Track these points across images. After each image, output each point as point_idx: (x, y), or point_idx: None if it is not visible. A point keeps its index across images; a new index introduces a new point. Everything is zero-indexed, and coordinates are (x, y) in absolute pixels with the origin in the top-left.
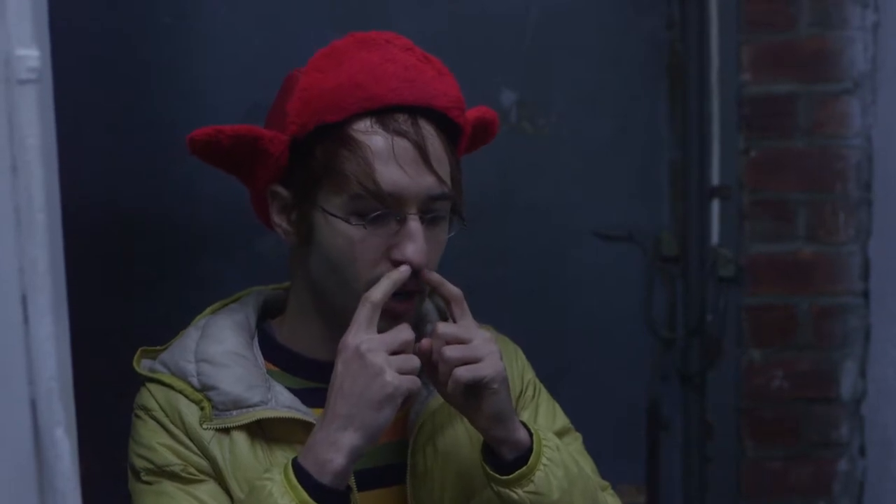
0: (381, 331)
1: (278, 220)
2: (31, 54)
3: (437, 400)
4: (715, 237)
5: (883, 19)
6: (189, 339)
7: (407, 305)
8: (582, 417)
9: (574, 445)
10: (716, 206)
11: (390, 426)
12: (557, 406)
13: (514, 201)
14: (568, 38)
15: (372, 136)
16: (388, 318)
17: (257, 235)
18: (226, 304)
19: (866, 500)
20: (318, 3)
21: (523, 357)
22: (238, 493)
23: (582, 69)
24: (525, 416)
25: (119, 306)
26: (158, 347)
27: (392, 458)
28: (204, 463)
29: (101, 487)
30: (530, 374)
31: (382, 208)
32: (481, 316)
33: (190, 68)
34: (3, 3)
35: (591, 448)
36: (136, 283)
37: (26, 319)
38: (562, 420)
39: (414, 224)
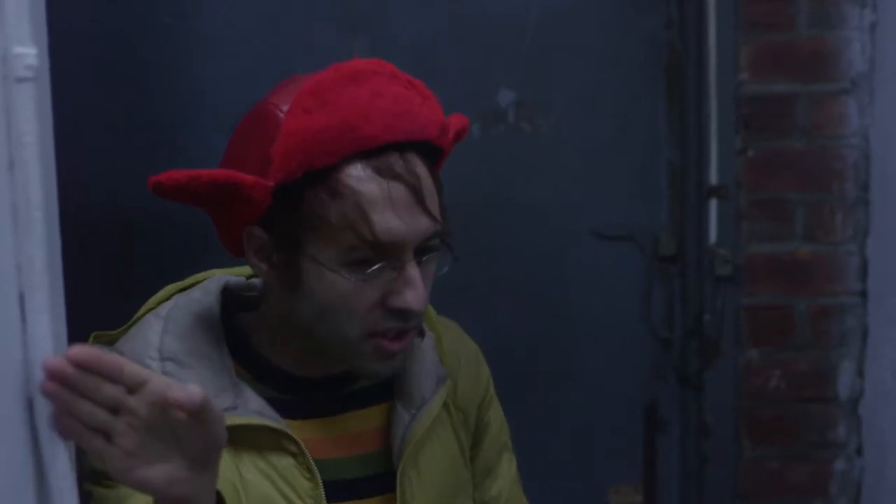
0: (376, 372)
1: (256, 260)
2: (29, 52)
3: (420, 425)
4: (713, 237)
5: (881, 19)
6: (151, 331)
7: (402, 344)
8: (580, 417)
9: (510, 467)
10: (714, 205)
11: (369, 436)
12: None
13: (513, 201)
14: (568, 38)
15: (365, 183)
16: (383, 357)
17: None
18: (183, 289)
19: (863, 501)
20: (318, 3)
21: (482, 358)
22: None
23: (581, 69)
24: (489, 415)
25: (119, 306)
26: (112, 332)
27: (377, 468)
28: None
29: None
30: (488, 374)
31: (380, 259)
32: (478, 316)
33: (190, 68)
34: (0, 1)
35: (589, 447)
36: (136, 283)
37: (23, 318)
38: (506, 432)
39: (413, 271)
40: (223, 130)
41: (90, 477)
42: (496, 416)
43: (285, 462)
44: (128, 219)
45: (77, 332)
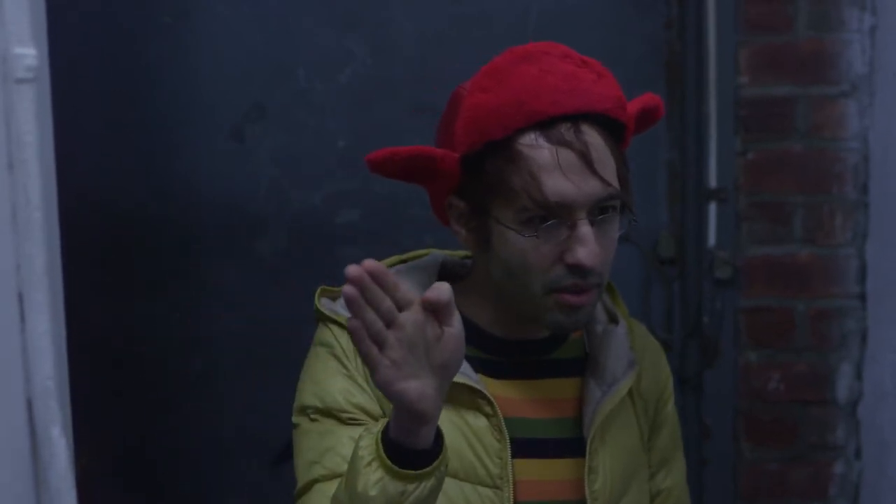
0: (561, 324)
1: (457, 227)
2: (29, 53)
3: (611, 401)
4: (712, 239)
5: (881, 22)
6: None
7: (583, 298)
8: None
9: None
10: (713, 208)
11: (562, 404)
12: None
13: None
14: (567, 38)
15: (536, 150)
16: (566, 310)
17: (257, 236)
18: (403, 261)
19: (863, 503)
20: (318, 4)
21: (664, 357)
22: None
23: None
24: (666, 411)
25: (119, 306)
26: (338, 287)
27: (567, 433)
28: (376, 408)
29: (97, 486)
30: (668, 372)
31: (552, 218)
32: None
33: (190, 68)
34: (0, 2)
35: None
36: (136, 283)
37: (23, 317)
38: (679, 432)
39: (584, 229)
40: (223, 130)
41: (300, 411)
42: (672, 414)
43: (480, 423)
44: (128, 219)
45: (76, 331)
